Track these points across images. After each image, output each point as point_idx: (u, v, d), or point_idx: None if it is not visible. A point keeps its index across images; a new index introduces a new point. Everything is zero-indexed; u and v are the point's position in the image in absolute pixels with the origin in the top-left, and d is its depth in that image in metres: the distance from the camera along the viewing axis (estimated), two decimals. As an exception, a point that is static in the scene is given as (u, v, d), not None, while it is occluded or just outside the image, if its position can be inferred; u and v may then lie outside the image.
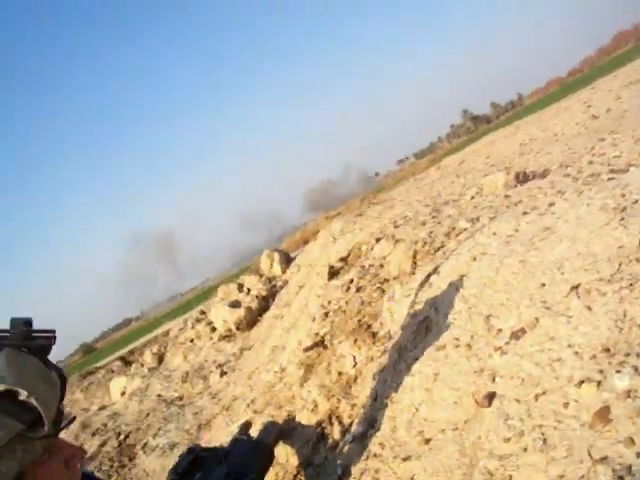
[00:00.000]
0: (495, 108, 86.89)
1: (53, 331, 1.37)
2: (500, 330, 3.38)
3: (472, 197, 6.82)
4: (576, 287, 3.14)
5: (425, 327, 4.11)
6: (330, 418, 4.63)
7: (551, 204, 4.30)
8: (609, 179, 4.18)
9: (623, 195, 3.47)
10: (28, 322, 1.31)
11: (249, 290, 11.53)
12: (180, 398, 9.34)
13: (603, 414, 2.38)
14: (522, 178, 6.22)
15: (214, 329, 11.23)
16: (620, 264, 3.00)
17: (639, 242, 3.02)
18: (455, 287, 4.14)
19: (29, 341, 1.30)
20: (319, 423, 4.73)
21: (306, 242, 11.73)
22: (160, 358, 11.87)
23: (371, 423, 3.91)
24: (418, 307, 4.44)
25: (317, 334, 6.04)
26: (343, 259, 7.52)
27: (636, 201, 3.30)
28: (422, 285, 4.69)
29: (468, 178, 9.25)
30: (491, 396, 3.04)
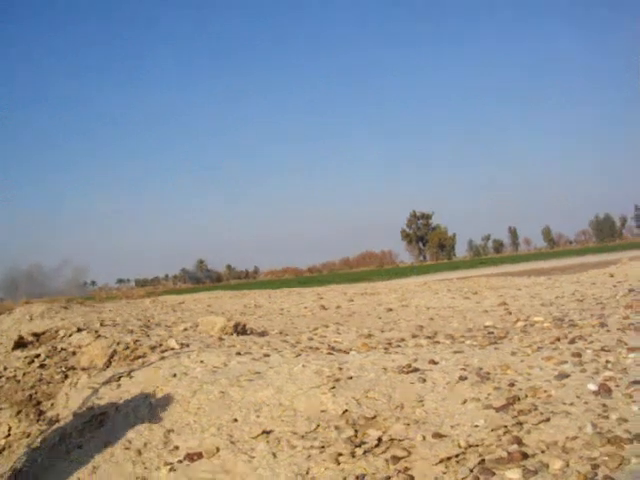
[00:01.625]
0: (230, 270, 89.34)
1: None
2: (177, 447, 3.16)
3: (185, 329, 6.65)
4: (268, 432, 3.08)
5: (99, 421, 3.70)
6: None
7: (266, 355, 4.32)
8: (328, 353, 4.35)
9: (340, 369, 3.60)
10: None
11: None
12: None
13: None
14: (240, 330, 6.23)
15: None
16: (318, 426, 3.02)
17: (342, 412, 3.08)
18: (145, 395, 3.86)
19: None
20: None
21: (-2, 316, 10.54)
22: None
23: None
24: (99, 402, 4.04)
25: (-22, 395, 5.20)
26: (36, 335, 6.84)
27: (351, 377, 3.43)
28: (110, 383, 4.31)
29: (185, 314, 9.11)
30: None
